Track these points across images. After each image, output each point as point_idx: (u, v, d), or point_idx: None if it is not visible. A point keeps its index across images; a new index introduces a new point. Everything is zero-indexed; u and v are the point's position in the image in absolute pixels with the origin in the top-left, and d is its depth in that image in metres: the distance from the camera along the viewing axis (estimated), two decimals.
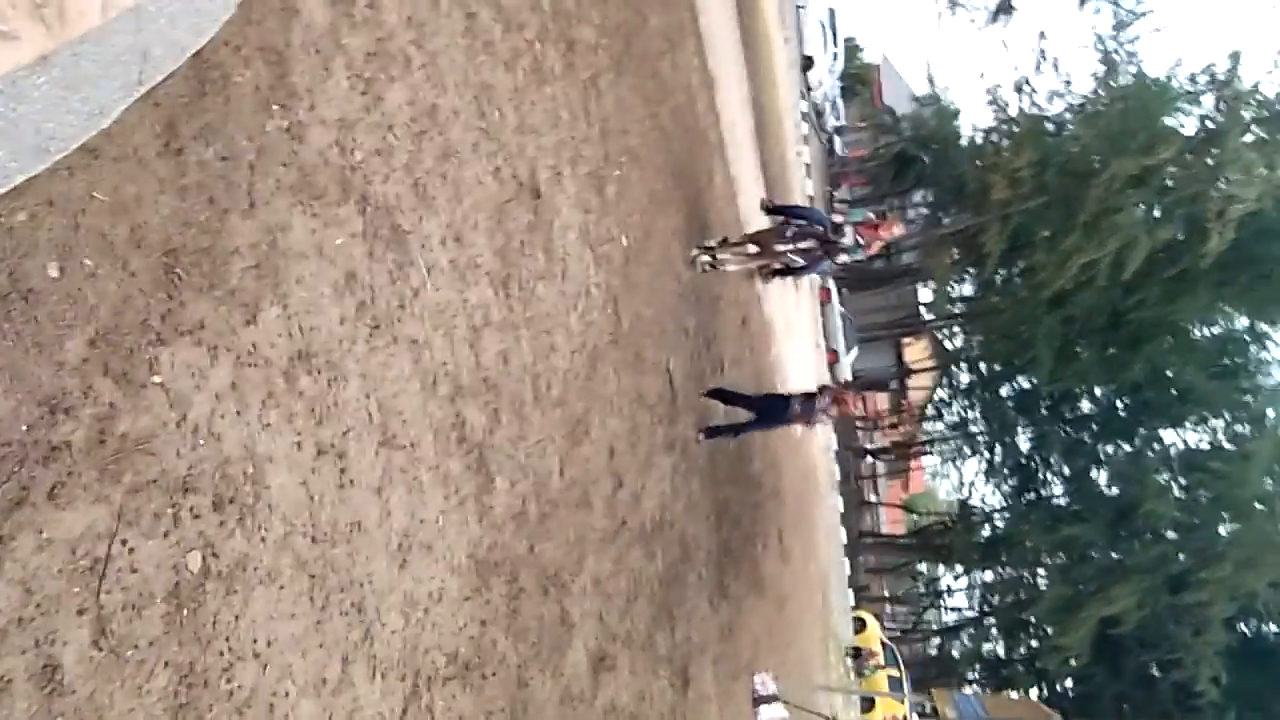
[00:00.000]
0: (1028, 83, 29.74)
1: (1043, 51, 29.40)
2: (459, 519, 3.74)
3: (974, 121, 37.37)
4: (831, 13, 38.85)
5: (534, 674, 4.37)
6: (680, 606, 7.59)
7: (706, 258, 9.42)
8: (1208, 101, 26.62)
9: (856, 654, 23.35)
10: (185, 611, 2.21)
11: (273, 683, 2.48)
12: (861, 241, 9.34)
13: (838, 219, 9.42)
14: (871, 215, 10.03)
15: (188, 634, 2.21)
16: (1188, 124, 27.06)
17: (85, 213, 2.08)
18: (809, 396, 9.41)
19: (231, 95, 2.59)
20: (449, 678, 3.49)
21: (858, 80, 54.93)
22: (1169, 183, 26.36)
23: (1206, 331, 31.06)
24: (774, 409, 9.59)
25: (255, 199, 2.63)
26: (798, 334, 21.26)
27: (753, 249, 9.39)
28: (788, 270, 9.64)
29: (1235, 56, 25.06)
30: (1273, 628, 29.72)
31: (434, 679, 3.37)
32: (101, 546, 2.02)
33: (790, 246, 8.91)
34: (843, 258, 9.51)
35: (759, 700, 10.19)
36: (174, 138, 2.36)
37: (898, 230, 9.90)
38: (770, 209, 9.89)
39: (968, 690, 33.94)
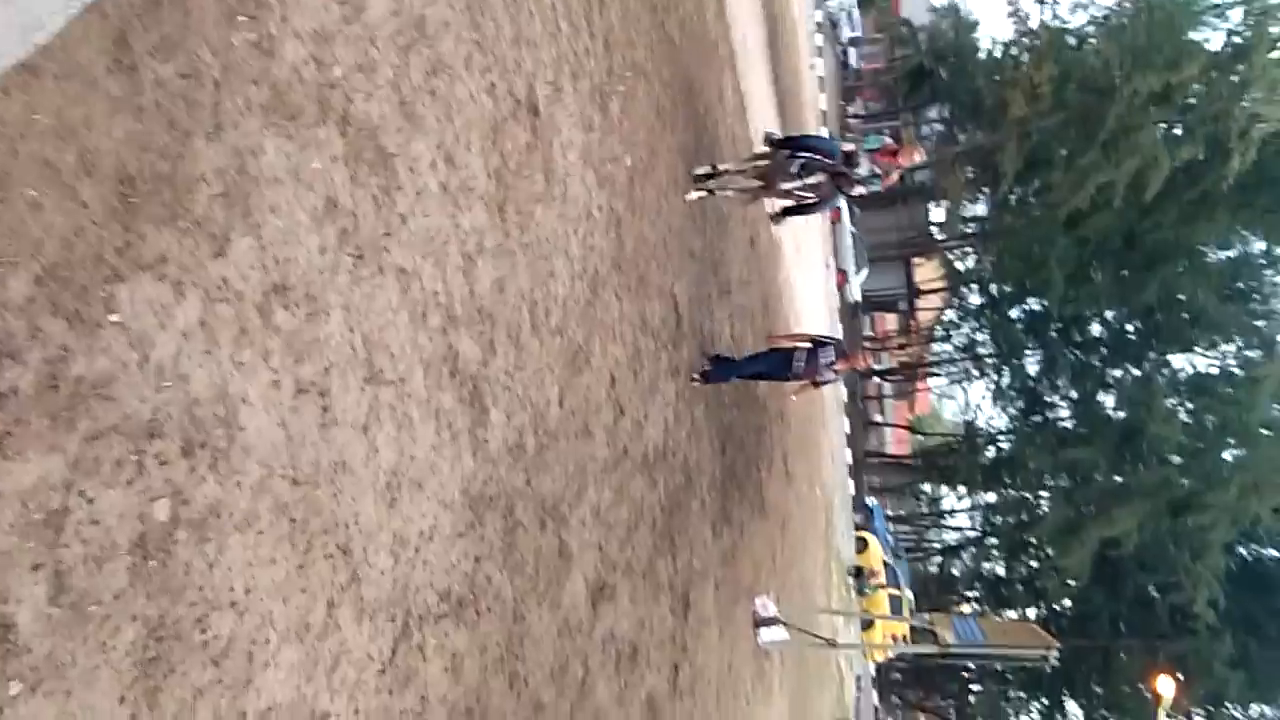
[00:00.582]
0: None
1: None
2: (451, 454, 3.63)
3: (993, 34, 36.23)
4: None
5: (531, 607, 4.33)
6: (682, 533, 7.57)
7: (702, 192, 8.80)
8: (1235, 16, 25.69)
9: (858, 573, 23.70)
10: (153, 563, 2.10)
11: (251, 631, 2.39)
12: (879, 170, 8.65)
13: (850, 147, 8.44)
14: (889, 140, 9.04)
15: (156, 586, 2.11)
16: (1214, 39, 26.18)
17: (25, 137, 1.90)
18: (813, 351, 8.85)
19: (191, 5, 2.36)
20: (441, 616, 3.43)
21: None
22: (1192, 100, 25.61)
23: (1222, 255, 30.59)
24: (776, 364, 9.10)
25: (222, 120, 2.43)
26: (807, 255, 20.95)
27: (756, 183, 8.69)
28: (799, 209, 8.88)
29: None
30: (1272, 553, 30.03)
31: (425, 618, 3.30)
32: (57, 498, 1.90)
33: (798, 183, 8.07)
34: (858, 190, 8.64)
35: (760, 622, 10.31)
36: (126, 53, 2.16)
37: (918, 157, 9.08)
38: (775, 143, 8.78)
39: (965, 609, 34.65)
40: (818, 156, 8.07)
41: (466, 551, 3.71)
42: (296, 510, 2.61)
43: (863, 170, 8.24)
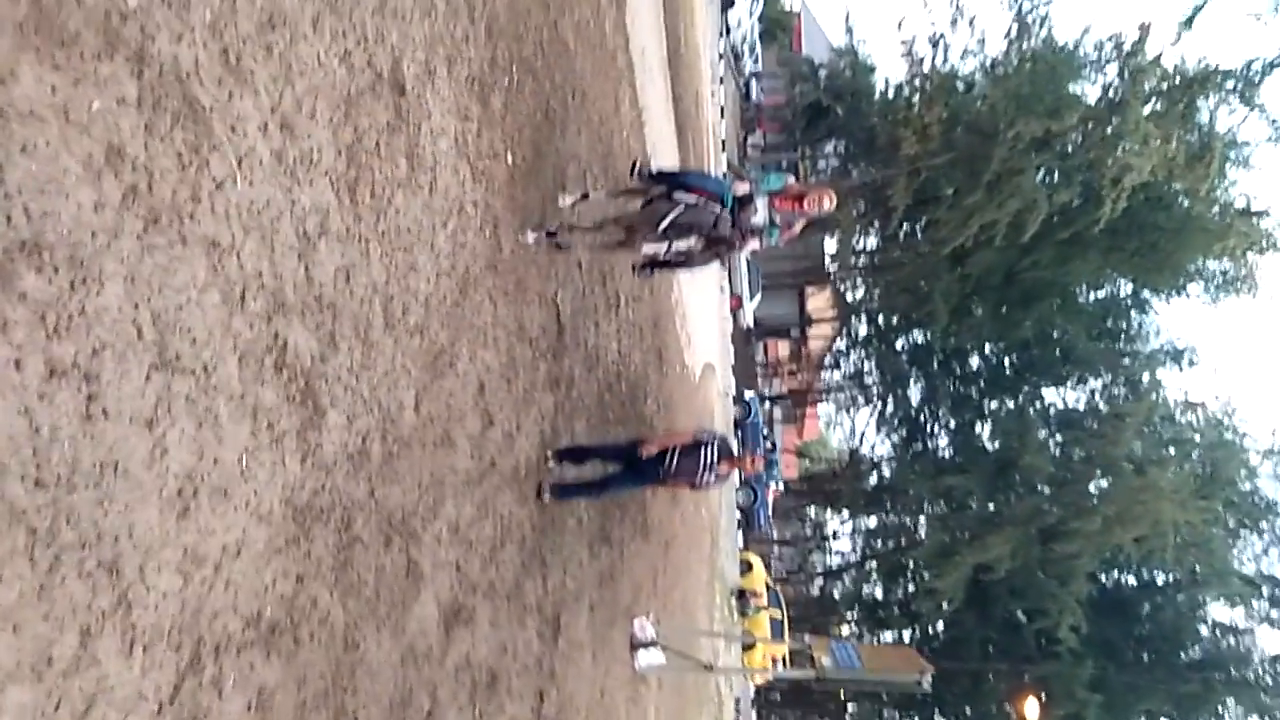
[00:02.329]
0: (943, 38, 29.78)
1: (959, 7, 29.40)
2: (272, 459, 3.18)
3: (888, 76, 37.43)
4: None
5: (367, 633, 3.87)
6: (555, 553, 7.18)
7: (539, 234, 6.81)
8: (1112, 71, 27.11)
9: (741, 595, 23.67)
10: None
11: None
12: (777, 220, 7.08)
13: (743, 189, 6.85)
14: (793, 181, 7.47)
15: None
16: (1091, 92, 27.58)
17: None
18: (692, 448, 7.23)
19: None
20: (247, 644, 2.96)
21: (777, 26, 54.38)
22: (1069, 148, 26.86)
23: (1093, 295, 32.18)
24: (647, 462, 7.36)
25: None
26: (702, 277, 20.91)
27: (617, 236, 7.09)
28: (665, 264, 7.15)
29: (1145, 28, 25.43)
30: (1131, 580, 31.53)
31: (224, 647, 2.83)
32: None
33: (662, 246, 6.45)
34: (751, 246, 6.93)
35: (637, 645, 9.97)
36: None
37: (828, 204, 7.45)
38: (650, 177, 7.05)
39: (844, 630, 35.17)
40: (699, 200, 6.53)
41: (286, 570, 3.25)
42: (38, 518, 2.13)
43: (758, 218, 6.86)
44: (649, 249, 6.48)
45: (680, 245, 6.38)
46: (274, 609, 3.17)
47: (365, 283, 4.04)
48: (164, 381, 2.60)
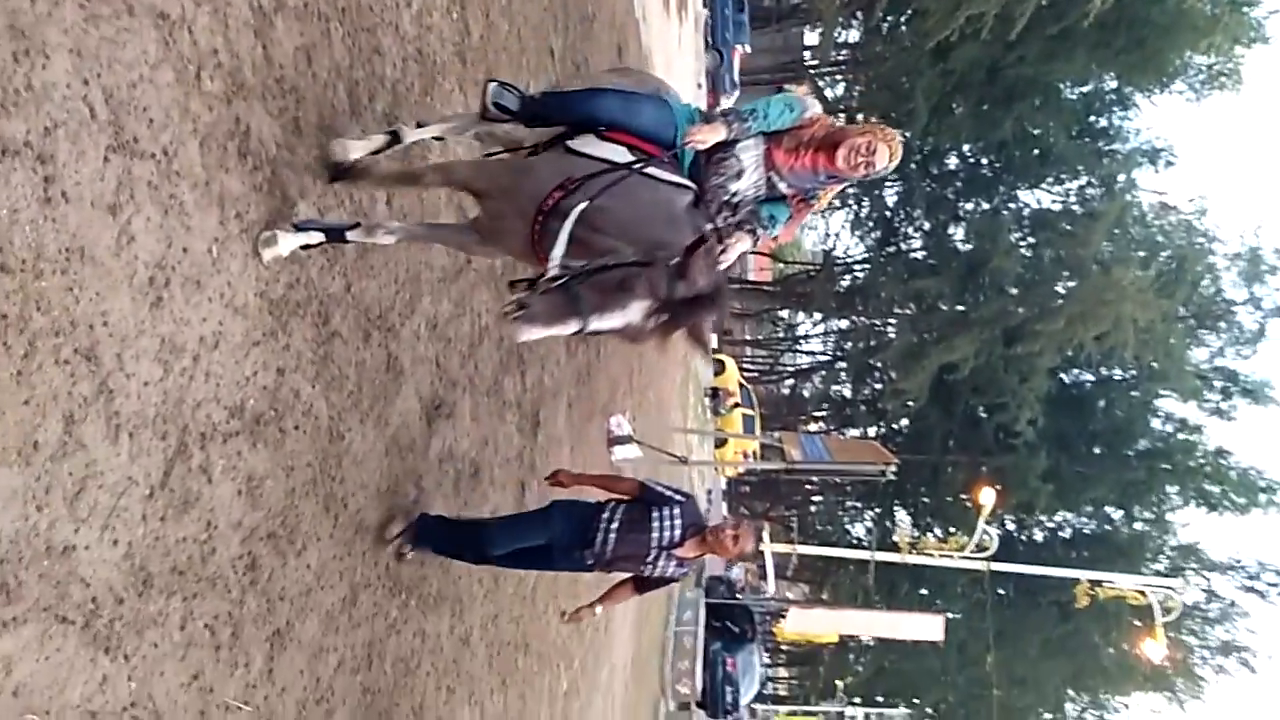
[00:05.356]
0: None
1: None
2: (243, 250, 3.09)
3: None
4: None
5: (351, 425, 3.93)
6: (533, 351, 7.26)
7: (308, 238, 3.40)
8: None
9: (714, 394, 24.40)
10: None
11: None
12: (785, 187, 3.61)
13: (713, 135, 3.52)
14: (817, 109, 3.68)
15: None
16: None
17: None
18: (642, 510, 4.43)
19: None
20: (232, 434, 2.99)
21: None
22: None
23: (1077, 92, 31.38)
24: (565, 533, 4.53)
25: None
26: (679, 71, 20.08)
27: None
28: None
29: None
30: (1088, 378, 32.66)
31: (210, 436, 2.86)
32: None
33: (557, 326, 2.87)
34: (739, 247, 3.75)
35: (614, 441, 10.33)
36: None
37: (886, 160, 3.53)
38: (521, 106, 3.69)
39: (812, 428, 36.59)
40: (635, 161, 3.37)
41: (266, 363, 3.24)
42: (8, 304, 2.08)
43: (744, 183, 3.64)
44: (529, 331, 2.89)
45: (602, 321, 2.90)
46: (257, 400, 3.19)
47: (327, 66, 3.81)
48: (123, 165, 2.47)
